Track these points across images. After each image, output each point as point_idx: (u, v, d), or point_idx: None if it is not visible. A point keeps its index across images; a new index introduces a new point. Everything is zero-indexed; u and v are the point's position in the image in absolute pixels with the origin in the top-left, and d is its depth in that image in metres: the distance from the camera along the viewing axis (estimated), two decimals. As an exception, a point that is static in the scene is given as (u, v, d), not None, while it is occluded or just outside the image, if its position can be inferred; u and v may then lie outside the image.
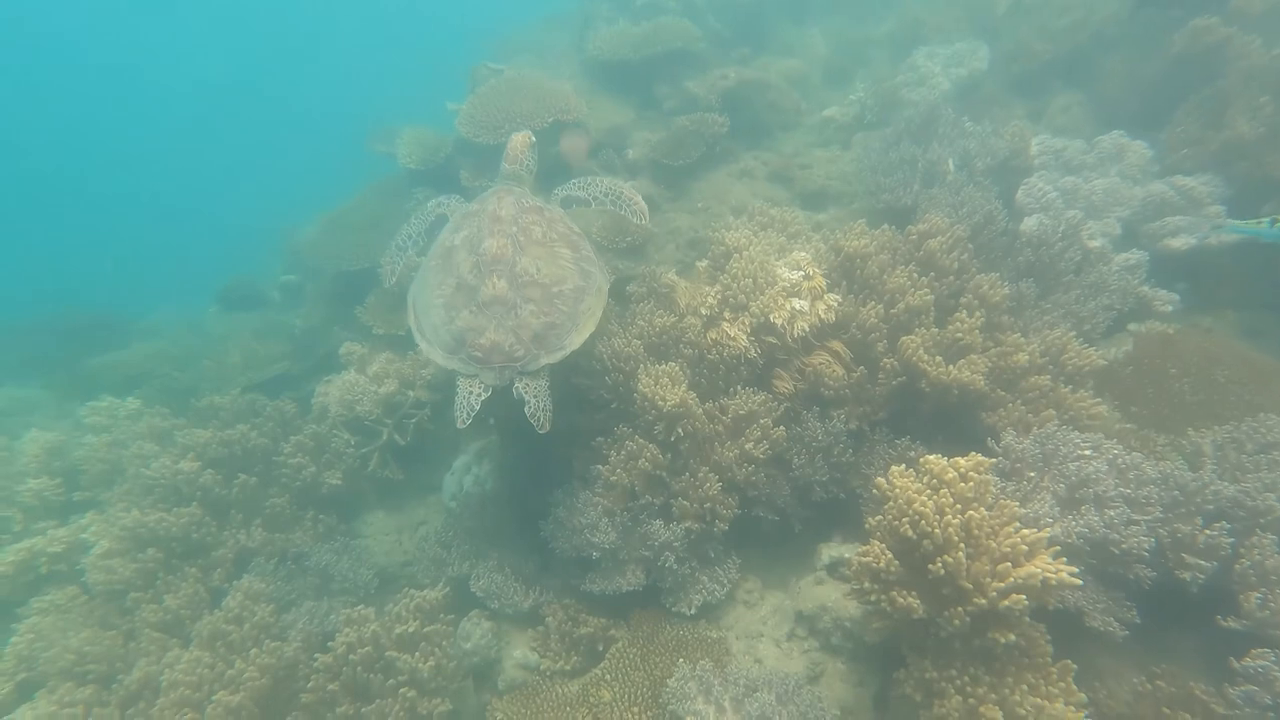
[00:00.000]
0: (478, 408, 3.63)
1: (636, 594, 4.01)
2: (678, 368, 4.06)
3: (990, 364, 3.74)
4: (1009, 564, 2.66)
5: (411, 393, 5.36)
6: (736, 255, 4.30)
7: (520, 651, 3.97)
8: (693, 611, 3.95)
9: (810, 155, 6.30)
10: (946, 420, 3.91)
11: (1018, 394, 3.70)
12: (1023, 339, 3.80)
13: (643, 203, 4.68)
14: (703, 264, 4.85)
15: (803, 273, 4.30)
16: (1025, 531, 2.75)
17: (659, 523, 3.94)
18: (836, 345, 4.09)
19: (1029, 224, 4.48)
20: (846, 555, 3.95)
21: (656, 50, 6.22)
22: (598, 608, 4.06)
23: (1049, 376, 3.67)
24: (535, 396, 3.65)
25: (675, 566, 3.90)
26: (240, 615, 3.86)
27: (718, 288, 4.38)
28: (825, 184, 5.91)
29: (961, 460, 3.02)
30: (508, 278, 3.77)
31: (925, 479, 3.05)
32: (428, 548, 4.67)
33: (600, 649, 3.90)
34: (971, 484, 2.91)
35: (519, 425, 4.22)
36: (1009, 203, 4.73)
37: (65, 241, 25.06)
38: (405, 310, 5.86)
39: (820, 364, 4.01)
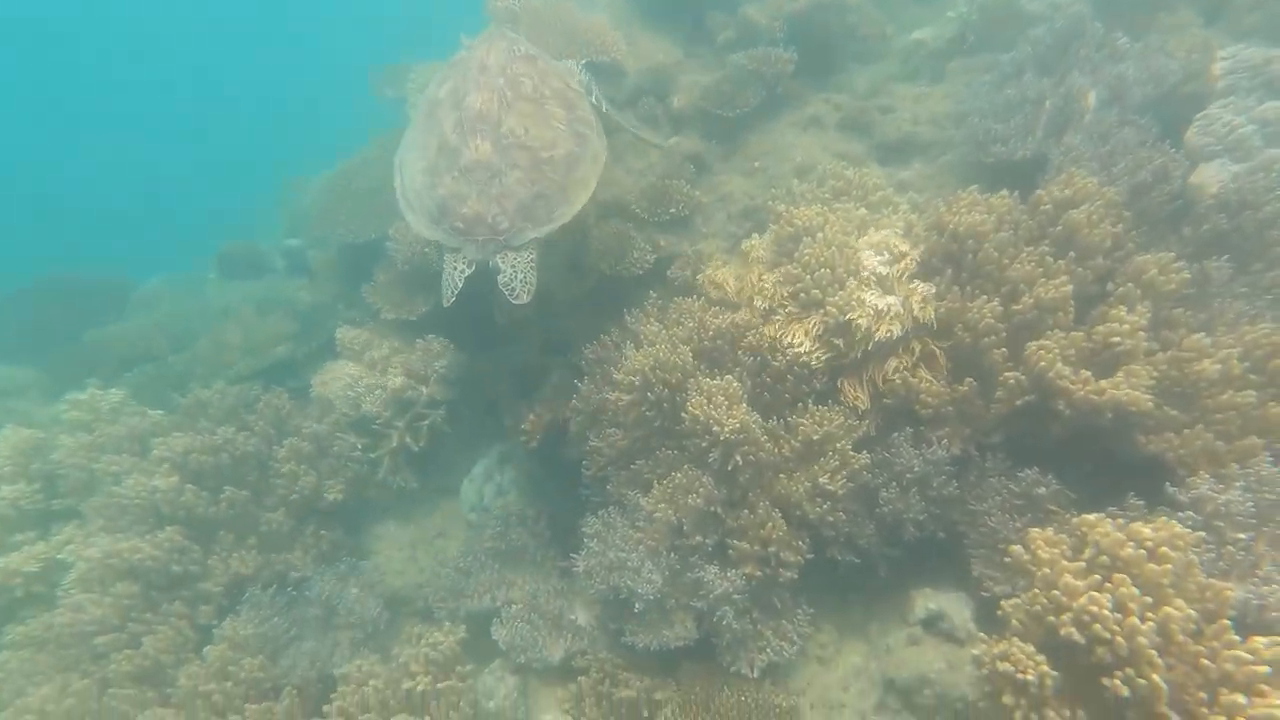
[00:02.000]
0: (461, 284, 3.46)
1: (688, 646, 3.41)
2: (736, 382, 3.30)
3: (1158, 374, 2.88)
4: (1237, 694, 1.91)
5: (424, 389, 4.73)
6: (808, 239, 3.45)
7: (551, 717, 3.42)
8: (756, 673, 3.32)
9: (892, 92, 5.26)
10: (1085, 444, 3.10)
11: (1202, 416, 2.84)
12: (1208, 340, 2.90)
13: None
14: (756, 241, 4.02)
15: (890, 257, 3.45)
16: (1258, 641, 1.99)
17: (713, 569, 3.28)
18: (933, 349, 3.27)
19: (1207, 174, 3.44)
20: (948, 609, 3.26)
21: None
22: (641, 663, 3.47)
23: (1253, 392, 2.79)
24: (513, 267, 3.42)
25: (734, 623, 3.25)
26: (224, 670, 3.38)
27: (778, 275, 3.57)
28: (911, 130, 4.90)
29: (1146, 529, 2.25)
30: (492, 139, 3.48)
31: (1088, 553, 2.30)
32: (444, 574, 4.13)
33: (645, 715, 3.32)
34: (1167, 566, 2.14)
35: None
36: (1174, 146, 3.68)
37: (62, 200, 24.72)
38: (420, 290, 5.25)
39: (912, 374, 3.20)
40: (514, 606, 3.76)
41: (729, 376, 3.33)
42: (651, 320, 3.83)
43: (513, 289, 3.40)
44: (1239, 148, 3.39)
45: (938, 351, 3.21)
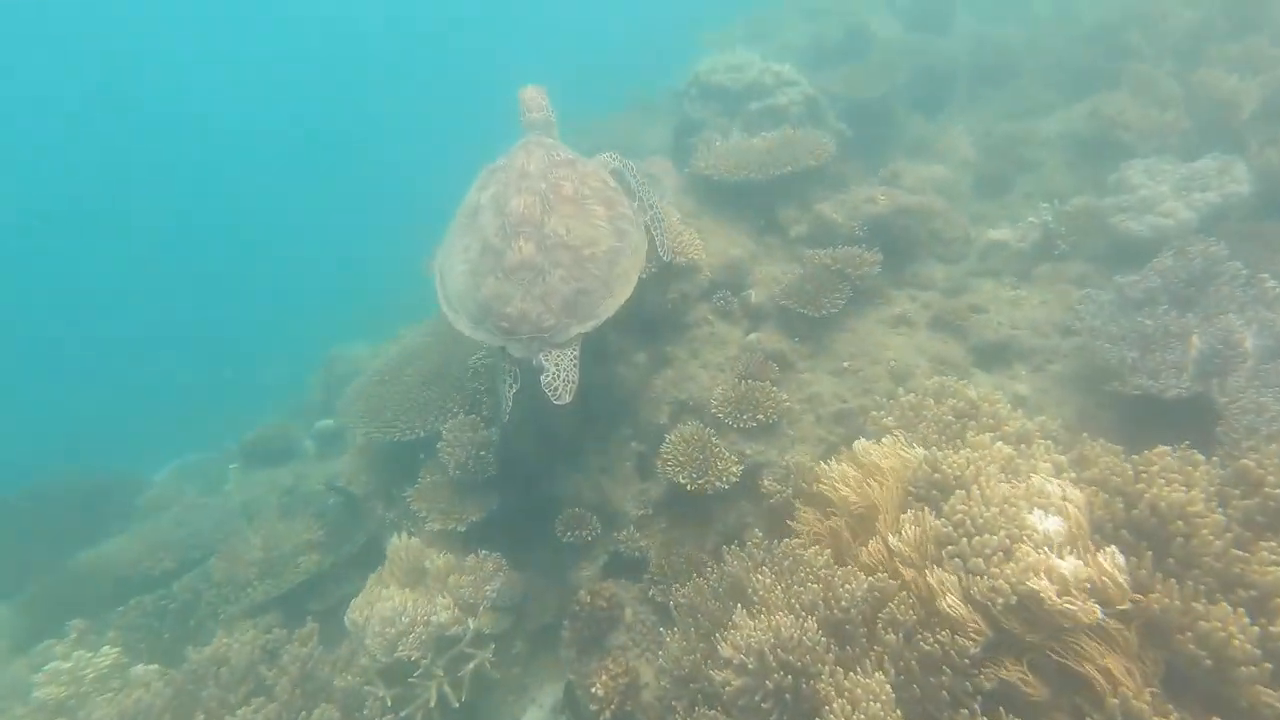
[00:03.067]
0: (511, 397, 3.55)
1: None
2: (888, 685, 2.66)
3: None
4: None
5: (472, 622, 4.09)
6: (960, 493, 2.97)
7: None
8: None
9: (979, 291, 5.04)
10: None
11: None
12: None
13: (675, 241, 4.47)
14: (871, 451, 3.53)
15: (1056, 512, 2.94)
16: None
17: None
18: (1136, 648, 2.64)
19: None
20: None
21: (785, 171, 5.17)
22: None
23: None
24: (556, 365, 3.45)
25: None
26: None
27: (917, 529, 3.04)
28: (1010, 334, 4.60)
29: None
30: (535, 240, 3.59)
31: None
32: None
33: None
34: None
35: None
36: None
37: (71, 377, 20.47)
38: (471, 495, 4.76)
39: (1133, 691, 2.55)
40: None
41: (878, 675, 2.69)
42: (762, 571, 3.25)
43: (555, 389, 3.39)
44: None
45: (1148, 659, 2.58)
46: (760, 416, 4.28)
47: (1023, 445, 3.38)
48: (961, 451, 3.12)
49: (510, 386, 3.56)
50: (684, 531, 4.33)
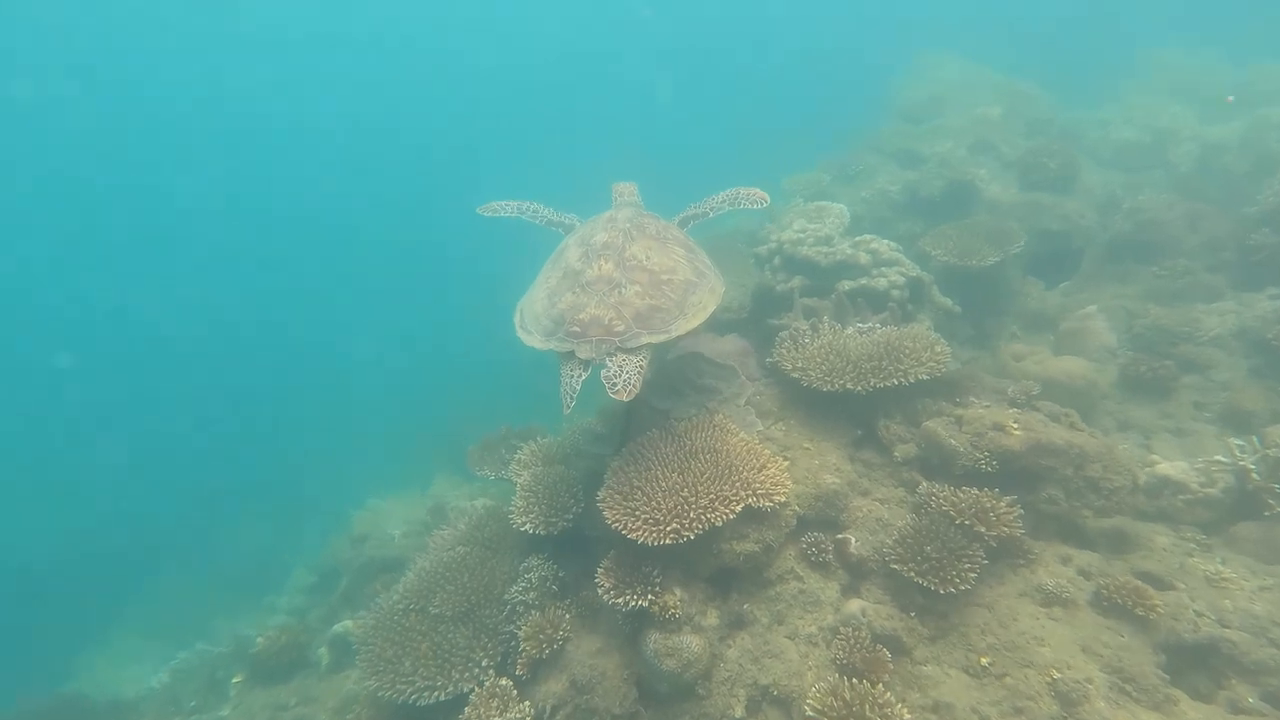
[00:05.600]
0: (578, 388, 3.51)
1: None
2: None
3: None
4: None
5: None
6: None
7: None
8: None
9: (1151, 548, 3.96)
10: None
11: None
12: None
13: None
14: None
15: None
16: None
17: None
18: None
19: None
20: None
21: (891, 383, 4.38)
22: None
23: None
24: (620, 366, 3.46)
25: None
26: None
27: None
28: (1217, 633, 3.47)
29: None
30: (615, 260, 3.78)
31: None
32: None
33: None
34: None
35: None
36: None
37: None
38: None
39: None
40: None
41: None
42: None
43: (614, 384, 3.40)
44: None
45: None
46: (867, 739, 3.27)
47: None
48: None
49: (578, 377, 3.51)
50: None
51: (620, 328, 3.54)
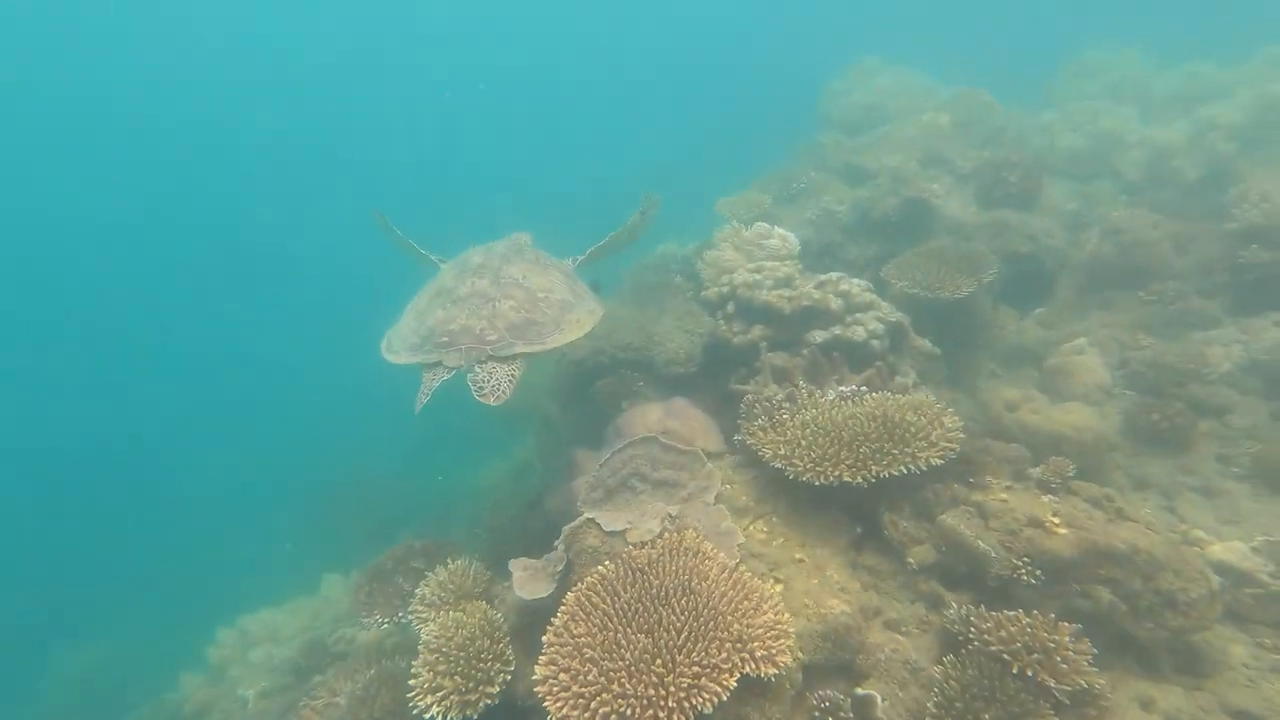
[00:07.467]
0: (435, 387, 3.44)
1: None
2: None
3: None
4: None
5: None
6: None
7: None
8: None
9: (1234, 670, 3.25)
10: None
11: None
12: None
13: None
14: None
15: None
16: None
17: None
18: None
19: None
20: None
21: (897, 471, 3.53)
22: None
23: None
24: (490, 373, 3.39)
25: None
26: None
27: None
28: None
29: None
30: (491, 278, 3.77)
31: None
32: None
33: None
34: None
35: None
36: None
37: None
38: None
39: None
40: None
41: None
42: None
43: (483, 389, 3.31)
44: None
45: None
46: None
47: None
48: None
49: (439, 378, 3.44)
50: None
51: (493, 336, 3.49)
